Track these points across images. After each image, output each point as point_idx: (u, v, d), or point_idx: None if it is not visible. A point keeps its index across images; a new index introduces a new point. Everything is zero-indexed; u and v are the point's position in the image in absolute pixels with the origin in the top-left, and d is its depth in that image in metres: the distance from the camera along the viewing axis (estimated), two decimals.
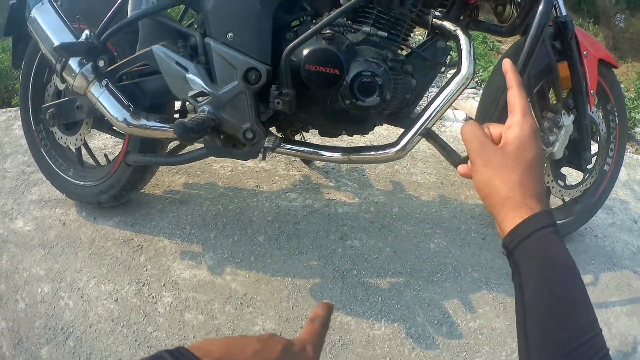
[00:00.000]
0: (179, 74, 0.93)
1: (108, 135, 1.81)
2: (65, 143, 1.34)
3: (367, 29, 0.92)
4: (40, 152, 1.45)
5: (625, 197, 1.73)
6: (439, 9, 1.00)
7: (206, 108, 0.93)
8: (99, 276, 1.24)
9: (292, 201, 1.34)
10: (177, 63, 0.93)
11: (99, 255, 1.29)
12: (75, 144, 1.32)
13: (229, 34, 0.92)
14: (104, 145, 1.80)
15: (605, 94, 1.29)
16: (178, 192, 1.44)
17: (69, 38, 1.07)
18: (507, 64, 0.47)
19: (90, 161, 1.44)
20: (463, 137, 0.47)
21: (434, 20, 0.97)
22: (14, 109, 2.91)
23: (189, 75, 0.92)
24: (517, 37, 1.09)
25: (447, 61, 1.01)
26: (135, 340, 1.13)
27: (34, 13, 1.13)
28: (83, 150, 1.41)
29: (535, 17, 0.93)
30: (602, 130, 1.31)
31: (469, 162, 0.48)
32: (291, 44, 0.89)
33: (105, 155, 1.47)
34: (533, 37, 0.93)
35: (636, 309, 1.20)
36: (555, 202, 1.40)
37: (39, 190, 1.75)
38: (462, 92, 0.99)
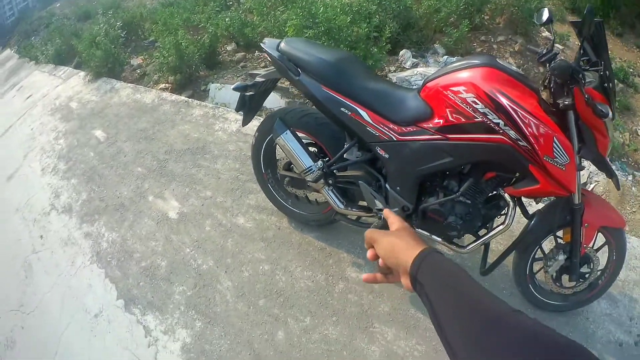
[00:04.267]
0: (373, 196, 1.90)
1: None
2: (291, 190, 2.32)
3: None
4: (266, 185, 2.43)
5: (638, 297, 2.05)
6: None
7: (380, 215, 1.91)
8: (304, 266, 2.27)
9: None
10: (371, 193, 1.90)
11: (304, 254, 2.33)
12: (298, 194, 2.32)
13: (397, 187, 1.83)
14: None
15: (609, 240, 1.78)
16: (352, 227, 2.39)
17: (307, 161, 1.96)
18: (386, 212, 0.79)
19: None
20: (366, 234, 0.72)
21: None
22: (210, 105, 3.72)
23: (377, 201, 1.89)
24: None
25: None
26: (320, 302, 2.07)
27: (283, 136, 1.96)
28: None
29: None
30: (596, 264, 1.78)
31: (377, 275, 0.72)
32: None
33: (316, 200, 2.43)
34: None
35: None
36: None
37: (255, 197, 2.72)
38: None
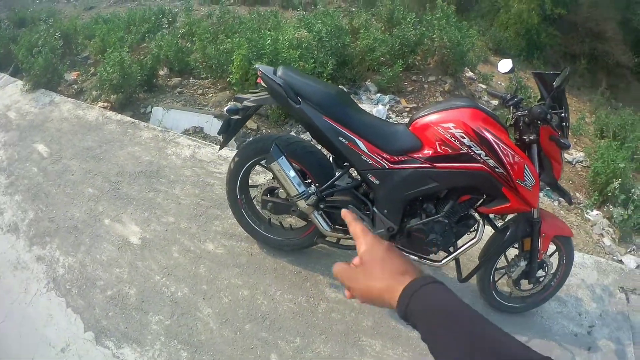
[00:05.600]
0: (361, 219, 2.06)
1: None
2: (266, 216, 2.37)
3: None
4: (240, 211, 2.43)
5: (583, 296, 2.42)
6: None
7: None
8: (283, 289, 2.31)
9: None
10: (360, 216, 2.06)
11: (281, 278, 2.37)
12: (272, 220, 2.37)
13: (385, 210, 2.03)
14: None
15: (560, 247, 2.14)
16: (325, 249, 2.49)
17: (301, 186, 2.03)
18: (346, 215, 0.70)
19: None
20: (335, 274, 0.63)
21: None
22: (158, 128, 3.64)
23: (364, 224, 2.06)
24: None
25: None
26: (306, 323, 2.14)
27: (279, 161, 1.96)
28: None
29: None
30: (549, 268, 2.14)
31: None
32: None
33: (290, 226, 2.49)
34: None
35: None
36: None
37: (221, 224, 2.69)
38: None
